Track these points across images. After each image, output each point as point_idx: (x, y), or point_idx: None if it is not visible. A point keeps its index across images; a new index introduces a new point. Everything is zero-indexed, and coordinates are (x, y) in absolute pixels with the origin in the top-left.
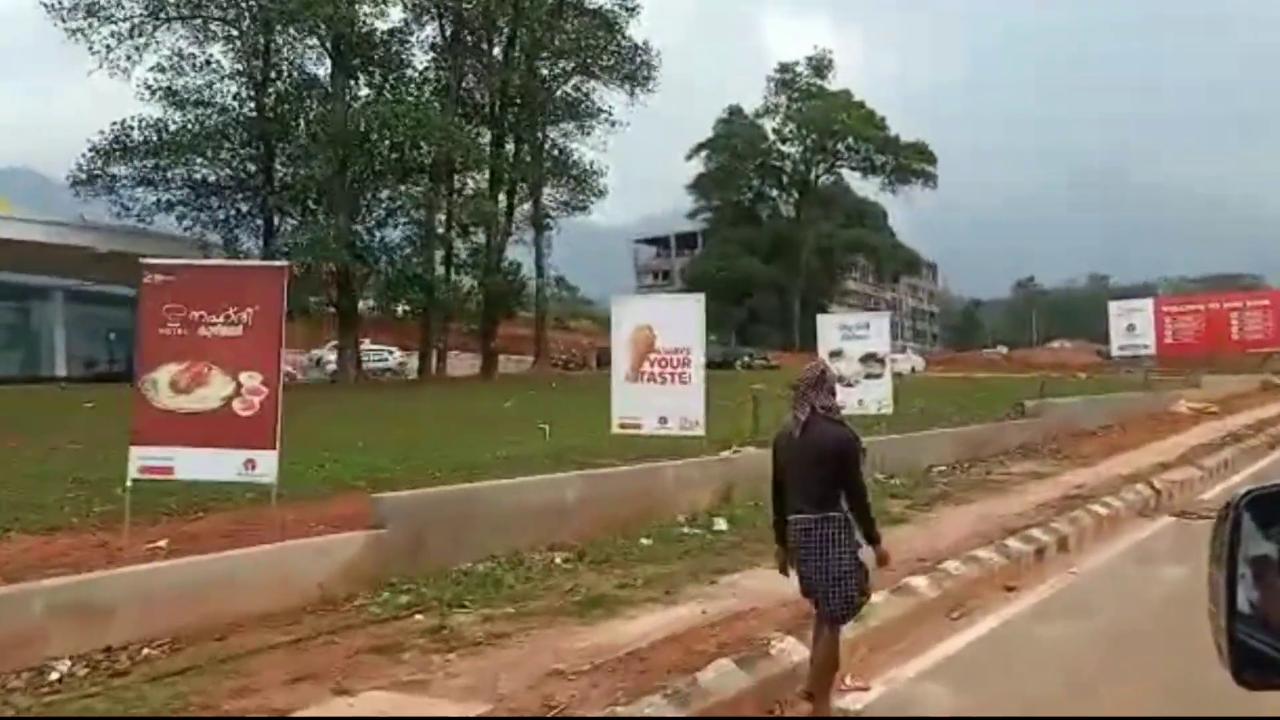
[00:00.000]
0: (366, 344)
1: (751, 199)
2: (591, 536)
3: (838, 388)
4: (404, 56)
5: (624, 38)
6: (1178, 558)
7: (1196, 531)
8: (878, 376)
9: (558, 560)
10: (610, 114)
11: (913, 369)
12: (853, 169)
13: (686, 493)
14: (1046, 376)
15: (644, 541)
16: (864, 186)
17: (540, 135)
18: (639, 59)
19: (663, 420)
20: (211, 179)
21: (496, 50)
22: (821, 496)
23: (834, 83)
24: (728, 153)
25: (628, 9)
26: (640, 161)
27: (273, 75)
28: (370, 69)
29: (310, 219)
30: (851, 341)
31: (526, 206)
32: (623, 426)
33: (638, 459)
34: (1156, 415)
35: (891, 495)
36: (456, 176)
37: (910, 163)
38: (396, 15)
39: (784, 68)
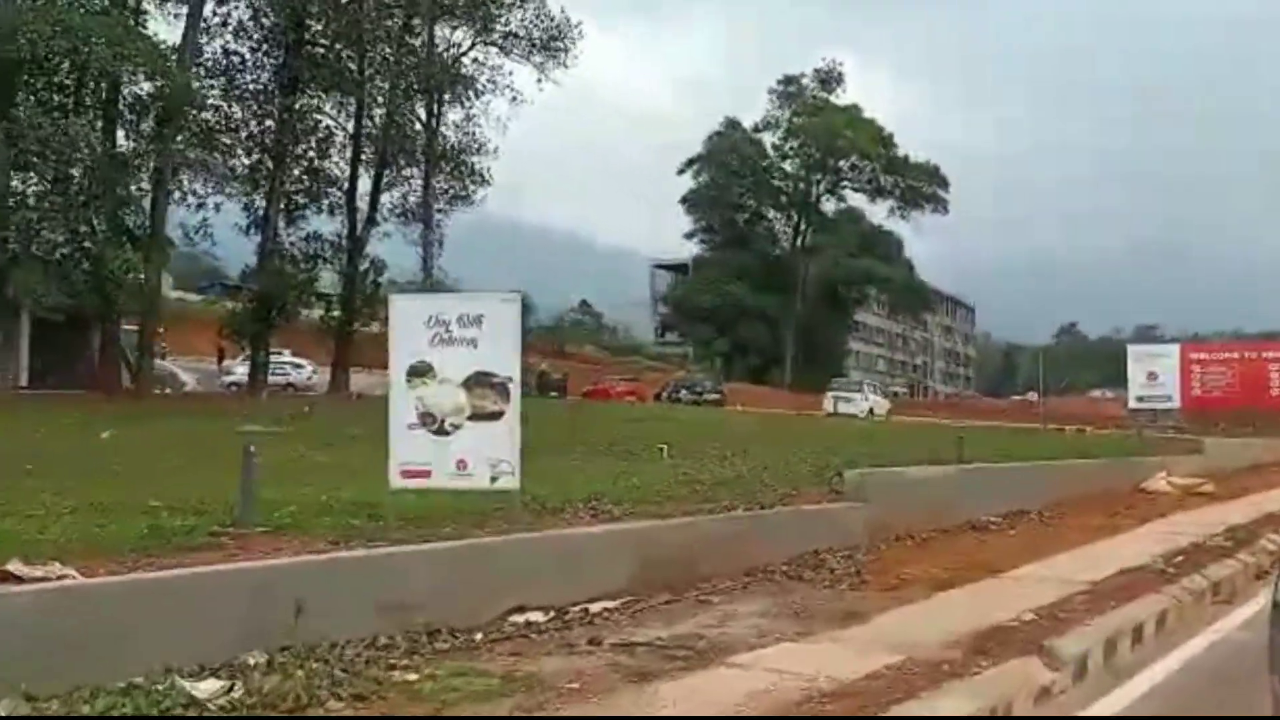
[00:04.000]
0: (286, 355)
1: (747, 220)
2: None
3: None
4: None
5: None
6: None
7: None
8: (495, 417)
9: None
10: (512, 88)
11: (871, 411)
12: (856, 190)
13: None
14: (966, 429)
15: None
16: (875, 211)
17: (409, 104)
18: (549, 27)
19: None
20: None
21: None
22: None
23: (842, 97)
24: (722, 168)
25: None
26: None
27: None
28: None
29: None
30: (450, 349)
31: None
32: None
33: None
34: (1115, 495)
35: None
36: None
37: (920, 185)
38: None
39: (788, 80)
